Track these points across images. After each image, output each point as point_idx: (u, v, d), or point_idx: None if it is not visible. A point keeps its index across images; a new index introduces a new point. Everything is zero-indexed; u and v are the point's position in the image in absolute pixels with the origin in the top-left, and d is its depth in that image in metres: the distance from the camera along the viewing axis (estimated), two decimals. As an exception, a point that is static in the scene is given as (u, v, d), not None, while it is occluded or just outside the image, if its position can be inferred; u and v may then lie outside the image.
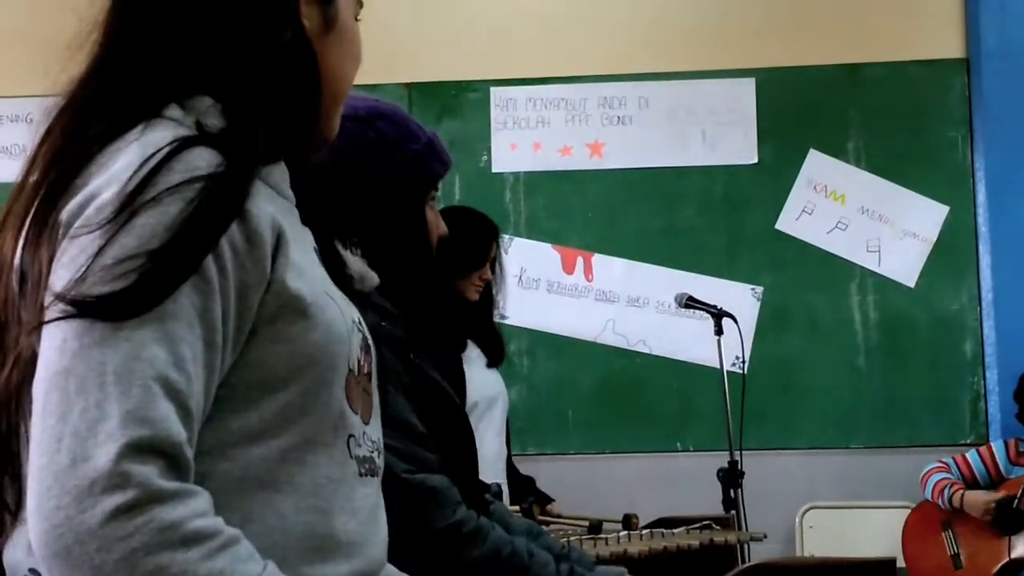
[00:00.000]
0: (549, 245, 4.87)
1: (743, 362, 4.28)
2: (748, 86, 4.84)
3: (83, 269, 1.04)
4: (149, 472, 1.00)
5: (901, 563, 4.18)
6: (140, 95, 1.16)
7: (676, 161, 4.85)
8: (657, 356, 4.78)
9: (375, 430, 1.28)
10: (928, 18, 4.84)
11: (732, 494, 3.50)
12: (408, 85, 4.85)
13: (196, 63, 1.18)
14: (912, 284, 4.76)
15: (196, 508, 1.03)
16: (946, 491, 4.21)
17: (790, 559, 3.96)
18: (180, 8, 1.18)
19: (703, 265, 4.80)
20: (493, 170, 4.88)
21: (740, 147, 4.84)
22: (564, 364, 4.80)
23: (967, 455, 4.33)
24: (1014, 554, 4.14)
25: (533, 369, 4.81)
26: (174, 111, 1.15)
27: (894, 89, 4.81)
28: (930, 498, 4.28)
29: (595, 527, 2.84)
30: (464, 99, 4.91)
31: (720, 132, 4.84)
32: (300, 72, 1.20)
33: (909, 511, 4.42)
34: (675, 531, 2.76)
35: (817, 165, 4.82)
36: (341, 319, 1.18)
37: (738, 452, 3.60)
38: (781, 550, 4.52)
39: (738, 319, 3.84)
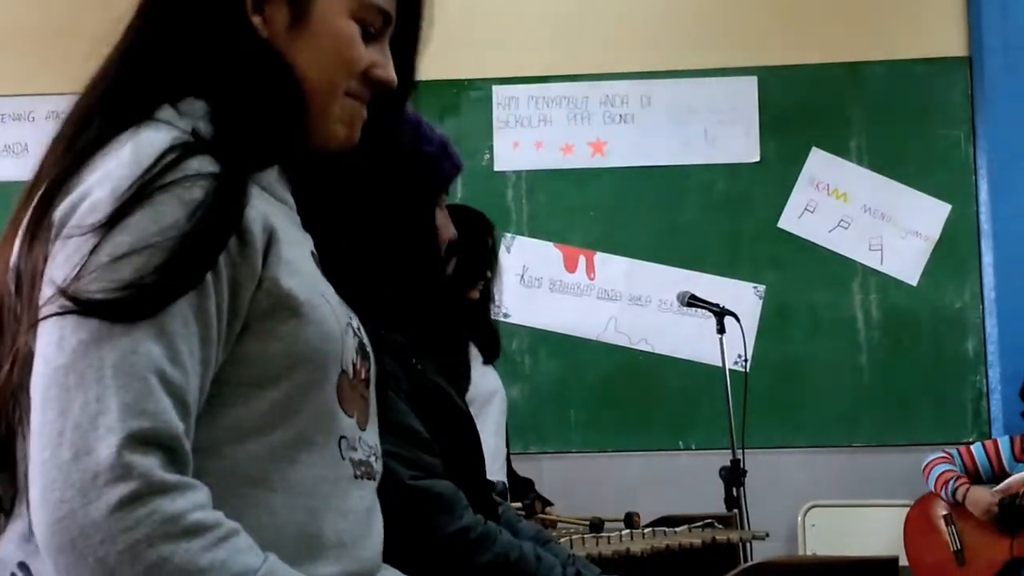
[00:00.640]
0: (551, 243, 4.87)
1: (745, 360, 4.28)
2: (750, 84, 4.84)
3: (79, 267, 1.05)
4: (151, 464, 1.02)
5: (904, 561, 4.18)
6: (132, 98, 1.18)
7: (678, 159, 4.85)
8: (659, 354, 4.78)
9: (372, 436, 1.28)
10: (930, 16, 4.83)
11: (734, 492, 3.50)
12: (410, 84, 4.84)
13: (183, 66, 1.19)
14: (914, 282, 4.76)
15: (197, 500, 1.04)
16: (950, 484, 4.20)
17: (792, 558, 3.96)
18: (164, 16, 1.21)
19: (705, 263, 4.79)
20: (495, 168, 4.88)
21: (742, 145, 4.84)
22: (566, 363, 4.80)
23: (971, 447, 4.32)
24: (1017, 551, 4.13)
25: (535, 368, 4.81)
26: (166, 112, 1.17)
27: (896, 87, 4.81)
28: (932, 489, 4.27)
29: (596, 526, 2.84)
30: (466, 97, 4.91)
31: (722, 130, 4.84)
32: (264, 74, 1.19)
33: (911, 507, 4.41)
34: (677, 530, 2.75)
35: (819, 163, 4.82)
36: (334, 320, 1.19)
37: (740, 451, 3.60)
38: (783, 549, 4.52)
39: (740, 317, 3.84)
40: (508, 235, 4.83)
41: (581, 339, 4.81)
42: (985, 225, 4.72)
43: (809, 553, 4.54)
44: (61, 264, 1.07)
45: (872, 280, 4.77)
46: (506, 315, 4.77)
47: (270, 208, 1.18)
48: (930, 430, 4.67)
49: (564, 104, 4.90)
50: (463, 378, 1.93)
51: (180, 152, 1.10)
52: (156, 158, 1.09)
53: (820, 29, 4.85)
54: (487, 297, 3.38)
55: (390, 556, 1.37)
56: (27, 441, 1.06)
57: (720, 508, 3.42)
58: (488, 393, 3.39)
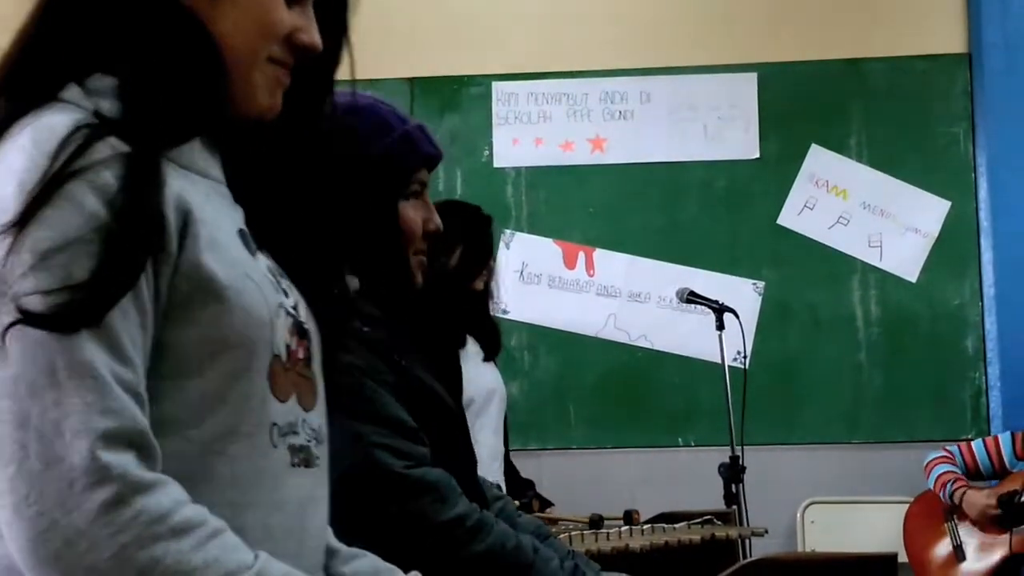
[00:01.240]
0: (551, 240, 4.87)
1: (744, 357, 4.28)
2: (750, 81, 4.83)
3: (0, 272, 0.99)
4: (126, 462, 0.98)
5: (903, 558, 4.18)
6: (35, 77, 1.11)
7: (678, 156, 4.85)
8: (659, 351, 4.78)
9: (317, 417, 1.21)
10: (930, 13, 4.83)
11: (733, 489, 3.50)
12: (410, 80, 4.84)
13: (92, 39, 1.12)
14: (914, 279, 4.76)
15: (177, 497, 1.01)
16: (948, 486, 4.20)
17: (791, 554, 3.96)
18: None
19: (705, 260, 4.79)
20: (495, 165, 4.88)
21: (742, 142, 4.83)
22: (566, 359, 4.80)
23: (972, 444, 4.32)
24: (1016, 548, 4.13)
25: (535, 364, 4.81)
26: (72, 92, 1.09)
27: (896, 84, 4.80)
28: (932, 488, 4.28)
29: (596, 523, 2.84)
30: (466, 94, 4.91)
31: (722, 127, 4.84)
32: (181, 42, 1.13)
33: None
34: (676, 526, 2.76)
35: (819, 160, 4.82)
36: (262, 302, 1.12)
37: (739, 447, 3.60)
38: (782, 545, 4.53)
39: (740, 314, 3.84)
40: (507, 231, 4.83)
41: (580, 336, 4.81)
42: (984, 222, 4.72)
43: (808, 550, 4.54)
44: None
45: (871, 277, 4.77)
46: (505, 311, 4.77)
47: (188, 186, 1.11)
48: (929, 427, 4.68)
49: (564, 100, 4.90)
50: (453, 376, 1.90)
51: (85, 136, 1.03)
52: (59, 145, 1.02)
53: (820, 26, 4.85)
54: (486, 293, 3.38)
55: (383, 545, 1.36)
56: None
57: (719, 504, 3.42)
58: (488, 392, 3.39)
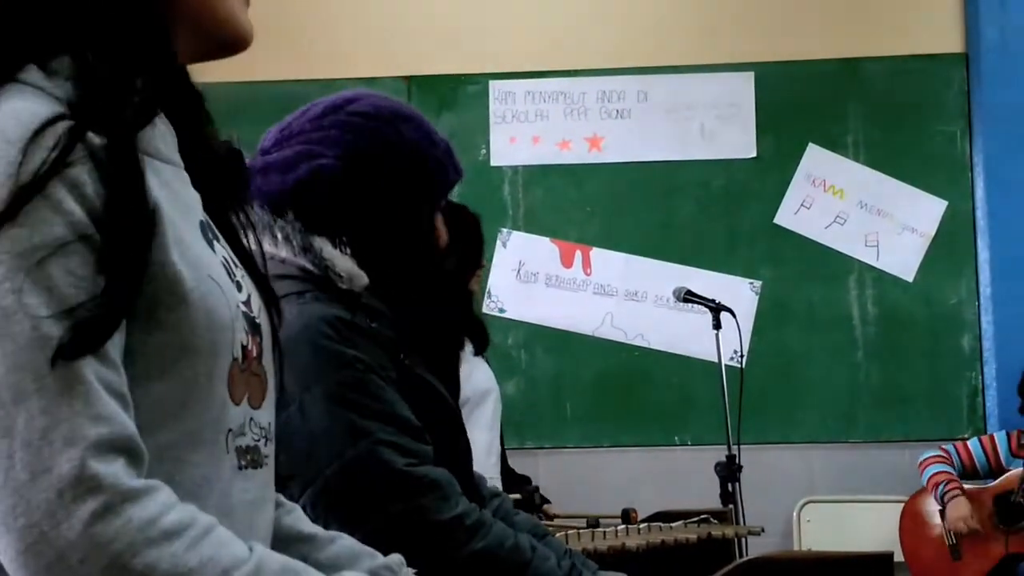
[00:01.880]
0: (548, 239, 4.87)
1: (741, 356, 4.27)
2: (747, 80, 4.84)
3: None
4: (115, 471, 0.95)
5: (899, 557, 4.19)
6: None
7: (675, 155, 4.85)
8: (655, 350, 4.78)
9: (266, 415, 1.17)
10: (927, 12, 4.84)
11: (730, 488, 3.50)
12: (407, 78, 4.84)
13: (46, 17, 1.04)
14: (910, 278, 4.76)
15: (167, 501, 0.99)
16: (940, 487, 4.22)
17: (788, 553, 3.96)
18: None
19: (702, 259, 4.80)
20: (492, 163, 4.88)
21: (739, 141, 4.84)
22: (562, 358, 4.81)
23: (968, 443, 4.33)
24: (1012, 547, 4.14)
25: (531, 363, 4.81)
26: (32, 75, 1.02)
27: (893, 83, 4.81)
28: (925, 486, 4.29)
29: (593, 523, 2.84)
30: (463, 92, 4.91)
31: (719, 126, 4.84)
32: (136, 9, 1.06)
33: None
34: (673, 525, 2.75)
35: (816, 159, 4.82)
36: (225, 305, 1.08)
37: (736, 446, 3.61)
38: (779, 544, 4.53)
39: (736, 313, 3.85)
40: (504, 230, 4.83)
41: (577, 334, 4.81)
42: (981, 221, 4.73)
43: (804, 548, 4.54)
44: None
45: (868, 276, 4.78)
46: (502, 310, 4.78)
47: (152, 177, 1.05)
48: (926, 426, 4.68)
49: (561, 99, 4.90)
50: (453, 376, 1.92)
51: (59, 127, 0.97)
52: (30, 136, 0.96)
53: (817, 25, 4.86)
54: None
55: (382, 541, 1.37)
56: None
57: (716, 504, 3.42)
58: (482, 391, 3.39)
